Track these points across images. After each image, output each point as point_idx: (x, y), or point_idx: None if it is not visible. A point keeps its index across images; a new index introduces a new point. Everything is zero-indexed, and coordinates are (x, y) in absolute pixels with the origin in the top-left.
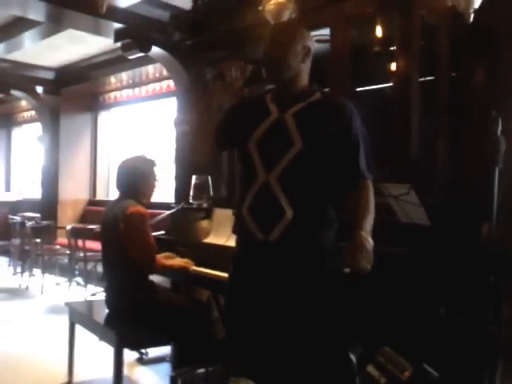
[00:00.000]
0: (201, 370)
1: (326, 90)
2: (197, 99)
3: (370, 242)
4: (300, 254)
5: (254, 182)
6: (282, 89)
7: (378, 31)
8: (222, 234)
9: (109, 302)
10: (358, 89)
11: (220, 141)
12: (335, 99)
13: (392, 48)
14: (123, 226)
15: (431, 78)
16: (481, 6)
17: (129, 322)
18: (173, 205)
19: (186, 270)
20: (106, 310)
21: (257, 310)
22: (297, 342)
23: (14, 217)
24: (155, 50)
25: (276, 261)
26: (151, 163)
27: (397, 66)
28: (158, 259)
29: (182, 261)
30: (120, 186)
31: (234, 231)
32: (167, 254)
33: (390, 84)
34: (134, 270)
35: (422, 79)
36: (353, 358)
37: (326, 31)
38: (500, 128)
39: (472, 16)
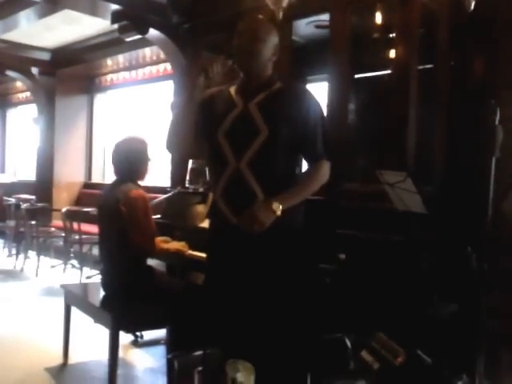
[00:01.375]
0: (198, 353)
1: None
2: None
3: (272, 210)
4: (271, 236)
5: (225, 170)
6: (247, 81)
7: (378, 18)
8: None
9: (105, 284)
10: (357, 75)
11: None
12: (295, 87)
13: (391, 35)
14: (125, 209)
15: (430, 65)
16: None
17: (125, 304)
18: (169, 189)
19: (182, 254)
20: (102, 293)
21: (234, 291)
22: (272, 325)
23: (9, 198)
24: (152, 32)
25: (248, 243)
26: (145, 143)
27: (396, 54)
28: (157, 243)
29: (178, 244)
30: (117, 168)
31: (208, 216)
32: (164, 238)
33: (389, 71)
34: (133, 252)
35: (421, 67)
36: (347, 342)
37: (325, 16)
38: (498, 117)
39: (472, 4)
